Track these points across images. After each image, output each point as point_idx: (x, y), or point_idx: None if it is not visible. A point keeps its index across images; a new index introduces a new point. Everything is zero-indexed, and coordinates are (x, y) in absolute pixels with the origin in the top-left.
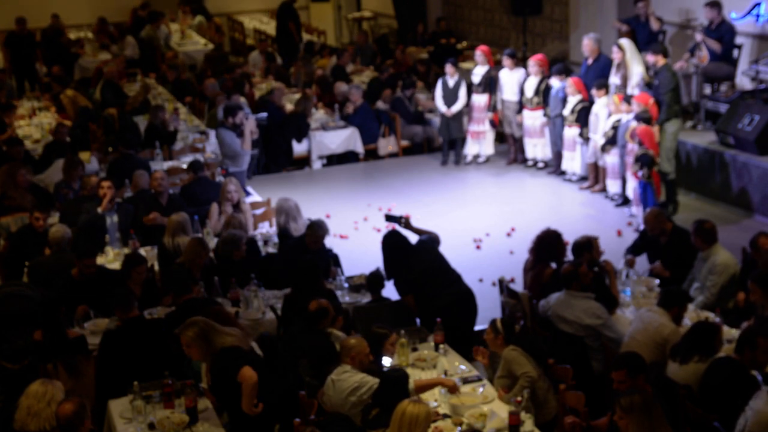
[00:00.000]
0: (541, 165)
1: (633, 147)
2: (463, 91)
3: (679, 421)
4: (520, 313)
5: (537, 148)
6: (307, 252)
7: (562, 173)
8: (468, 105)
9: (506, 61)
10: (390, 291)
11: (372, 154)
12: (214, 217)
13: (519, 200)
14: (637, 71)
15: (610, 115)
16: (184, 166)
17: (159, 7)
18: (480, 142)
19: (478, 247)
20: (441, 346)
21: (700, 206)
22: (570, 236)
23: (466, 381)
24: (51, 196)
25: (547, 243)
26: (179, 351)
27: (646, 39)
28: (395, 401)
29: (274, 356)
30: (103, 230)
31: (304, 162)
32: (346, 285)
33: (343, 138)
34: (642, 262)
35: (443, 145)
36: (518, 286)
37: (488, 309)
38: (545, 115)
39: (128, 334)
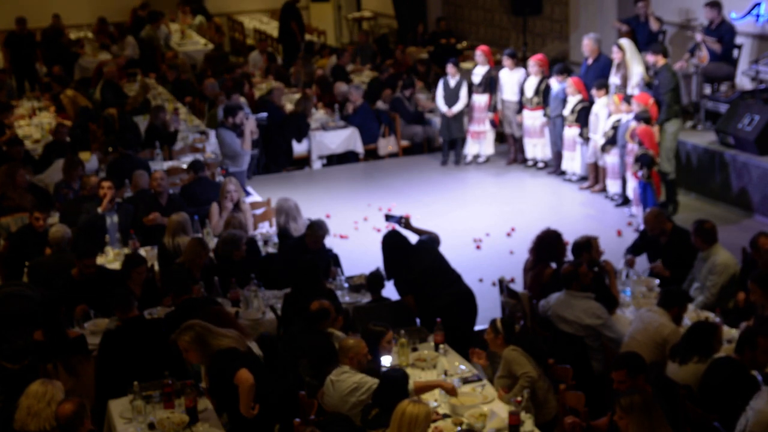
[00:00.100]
0: (541, 165)
1: (633, 147)
2: (464, 92)
3: (679, 421)
4: (520, 313)
5: (537, 148)
6: (307, 252)
7: (562, 173)
8: (468, 105)
9: (506, 61)
10: (390, 291)
11: (372, 154)
12: (215, 217)
13: (519, 200)
14: (637, 71)
15: (610, 115)
16: (184, 166)
17: (159, 7)
18: (480, 142)
19: (478, 247)
20: (441, 346)
21: (700, 206)
22: (570, 236)
23: (466, 381)
24: (50, 196)
25: (547, 243)
26: (179, 351)
27: (646, 39)
28: (395, 401)
29: (274, 356)
30: (103, 230)
31: (304, 162)
32: (346, 285)
33: (343, 138)
34: (642, 262)
35: (443, 145)
36: (518, 286)
37: (488, 309)
38: (545, 115)
39: (128, 334)
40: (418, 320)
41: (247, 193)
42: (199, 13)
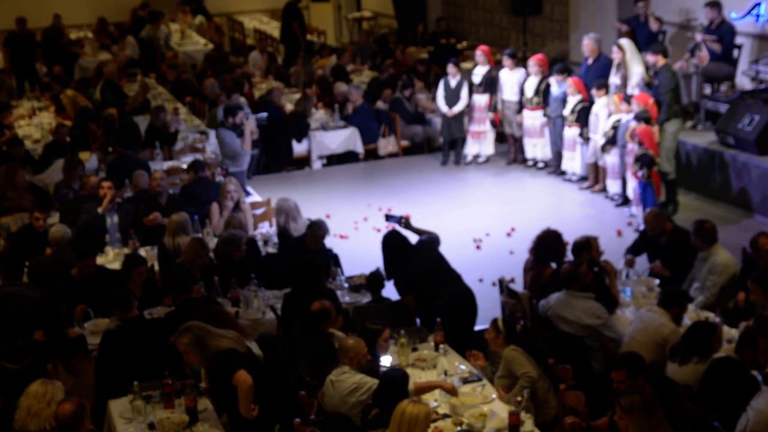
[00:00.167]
0: (541, 165)
1: (633, 147)
2: (465, 92)
3: (679, 421)
4: (520, 313)
5: (537, 148)
6: (307, 252)
7: (562, 173)
8: (468, 105)
9: (506, 61)
10: (390, 291)
11: (372, 154)
12: (215, 217)
13: (519, 200)
14: (637, 71)
15: (610, 115)
16: (184, 166)
17: (159, 7)
18: (480, 142)
19: (478, 247)
20: (441, 346)
21: (700, 206)
22: (570, 236)
23: (466, 381)
24: (50, 196)
25: (547, 243)
26: (179, 351)
27: (646, 39)
28: (395, 401)
29: (274, 356)
30: (103, 230)
31: (304, 162)
32: (346, 285)
33: (343, 138)
34: (642, 262)
35: (444, 145)
36: (518, 286)
37: (488, 309)
38: (545, 115)
39: (128, 334)
40: (418, 320)
41: (247, 193)
42: (199, 13)
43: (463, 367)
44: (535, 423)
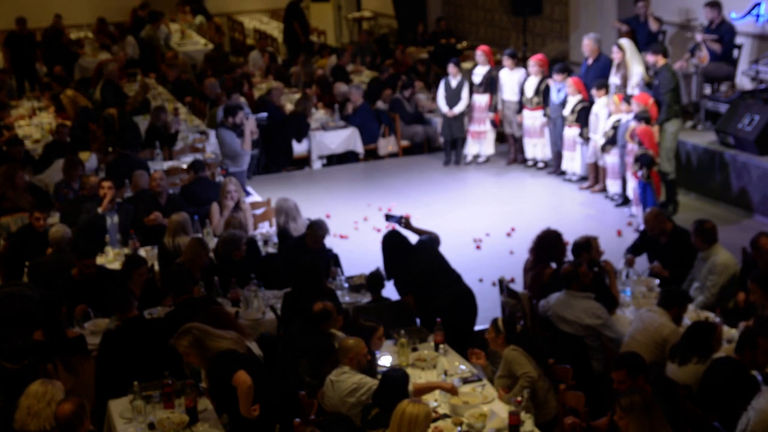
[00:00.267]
0: (541, 165)
1: (633, 147)
2: (466, 92)
3: (679, 421)
4: (520, 313)
5: (537, 148)
6: (307, 252)
7: (562, 173)
8: (469, 105)
9: (506, 61)
10: (390, 291)
11: (372, 154)
12: (216, 216)
13: (519, 200)
14: (637, 71)
15: (610, 115)
16: (184, 166)
17: (159, 7)
18: (480, 142)
19: (478, 247)
20: (441, 346)
21: (700, 206)
22: (570, 236)
23: (466, 381)
24: (50, 196)
25: (547, 243)
26: (178, 352)
27: (645, 39)
28: (395, 401)
29: (274, 356)
30: (103, 230)
31: (304, 162)
32: (346, 285)
33: (343, 138)
34: (642, 262)
35: (445, 145)
36: (518, 286)
37: (488, 309)
38: (545, 115)
39: (128, 334)
40: (418, 320)
41: (247, 193)
42: (199, 13)
43: (463, 367)
44: (535, 423)
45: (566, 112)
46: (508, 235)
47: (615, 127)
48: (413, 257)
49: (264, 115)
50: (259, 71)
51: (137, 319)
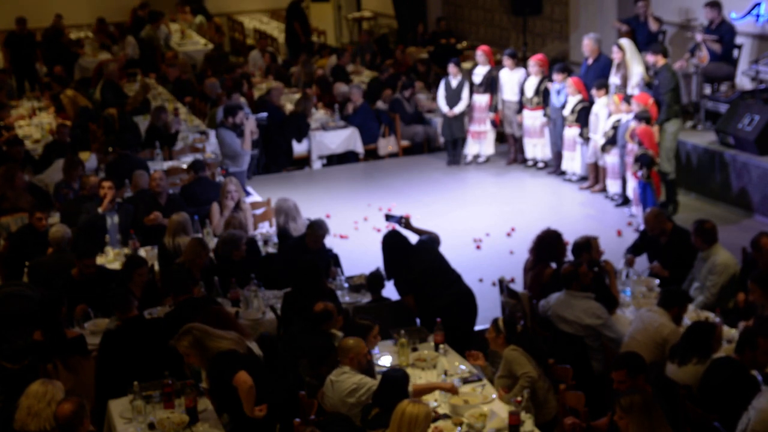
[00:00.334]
0: (541, 165)
1: (633, 147)
2: (466, 92)
3: (679, 421)
4: (520, 313)
5: (537, 148)
6: (307, 252)
7: (562, 173)
8: (469, 105)
9: (506, 61)
10: (390, 291)
11: (372, 154)
12: (216, 216)
13: (519, 200)
14: (637, 71)
15: (610, 115)
16: (184, 166)
17: (159, 7)
18: (480, 142)
19: (478, 247)
20: (441, 346)
21: (700, 206)
22: (570, 236)
23: (466, 381)
24: (50, 196)
25: (547, 243)
26: (179, 352)
27: (645, 39)
28: (395, 401)
29: (274, 356)
30: (103, 230)
31: (304, 162)
32: (346, 285)
33: (343, 138)
34: (642, 262)
35: (446, 145)
36: (518, 286)
37: (488, 309)
38: (545, 115)
39: (128, 334)
40: (418, 320)
41: (247, 193)
42: (199, 13)
43: (463, 367)
44: (535, 423)
45: (566, 112)
46: (508, 235)
47: (615, 127)
48: (413, 257)
49: (264, 115)
50: (259, 71)
51: (137, 319)
